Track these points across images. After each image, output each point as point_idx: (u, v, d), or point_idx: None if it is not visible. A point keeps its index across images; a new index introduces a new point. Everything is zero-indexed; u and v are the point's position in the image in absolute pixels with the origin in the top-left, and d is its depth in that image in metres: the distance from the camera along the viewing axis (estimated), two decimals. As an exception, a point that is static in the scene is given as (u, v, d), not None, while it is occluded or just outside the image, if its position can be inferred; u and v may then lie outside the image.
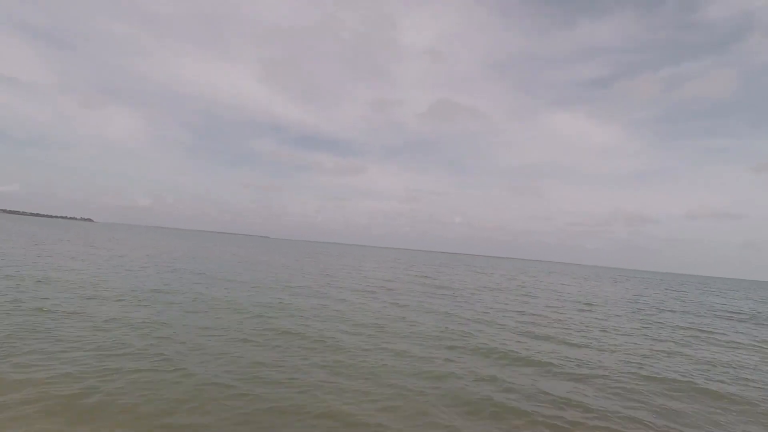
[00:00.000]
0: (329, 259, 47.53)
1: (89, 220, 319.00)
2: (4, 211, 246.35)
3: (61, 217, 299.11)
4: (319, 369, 7.00)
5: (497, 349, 9.36)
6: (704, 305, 26.15)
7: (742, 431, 6.12)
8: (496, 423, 5.60)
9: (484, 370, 7.73)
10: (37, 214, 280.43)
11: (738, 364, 10.19)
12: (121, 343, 7.35)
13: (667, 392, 7.44)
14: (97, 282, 13.69)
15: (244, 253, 43.77)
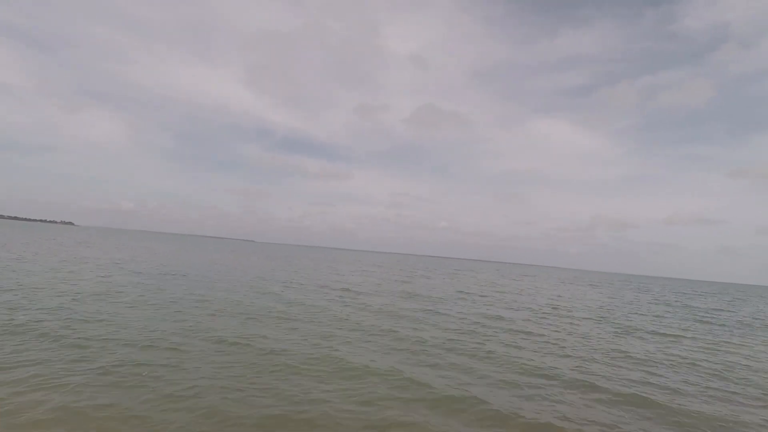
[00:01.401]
0: (308, 262, 46.79)
1: (70, 223, 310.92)
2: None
3: (41, 221, 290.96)
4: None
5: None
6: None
7: None
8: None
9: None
10: (15, 218, 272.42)
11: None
12: None
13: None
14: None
15: (209, 257, 42.90)
